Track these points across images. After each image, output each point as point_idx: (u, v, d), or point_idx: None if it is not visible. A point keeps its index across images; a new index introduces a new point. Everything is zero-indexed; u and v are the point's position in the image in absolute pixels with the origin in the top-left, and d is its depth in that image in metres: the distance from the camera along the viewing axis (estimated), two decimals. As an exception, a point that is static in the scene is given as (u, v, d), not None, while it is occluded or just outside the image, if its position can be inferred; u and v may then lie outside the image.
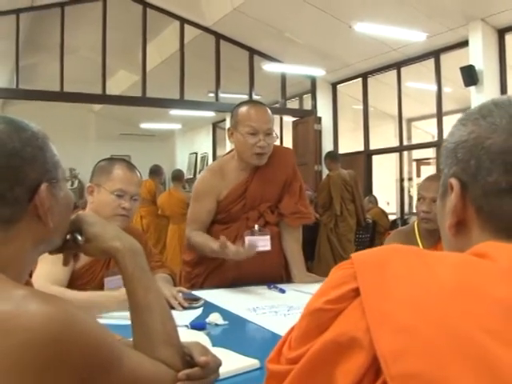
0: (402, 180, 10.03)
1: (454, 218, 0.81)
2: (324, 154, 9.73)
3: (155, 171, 8.62)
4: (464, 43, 7.39)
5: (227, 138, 2.87)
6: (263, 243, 2.73)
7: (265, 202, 2.82)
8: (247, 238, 2.72)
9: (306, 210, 2.92)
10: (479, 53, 7.05)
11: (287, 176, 2.86)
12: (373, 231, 8.05)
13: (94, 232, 1.18)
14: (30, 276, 1.97)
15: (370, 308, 0.66)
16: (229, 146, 10.75)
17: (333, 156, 7.77)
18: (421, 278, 0.68)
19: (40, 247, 1.06)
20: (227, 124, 10.19)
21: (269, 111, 2.77)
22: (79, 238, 1.18)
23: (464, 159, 0.79)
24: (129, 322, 1.16)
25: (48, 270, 2.04)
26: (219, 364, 1.22)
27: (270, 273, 2.82)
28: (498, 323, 0.62)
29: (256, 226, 2.76)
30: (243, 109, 2.75)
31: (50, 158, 1.03)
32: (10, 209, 0.95)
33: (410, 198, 10.78)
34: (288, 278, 2.93)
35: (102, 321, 0.97)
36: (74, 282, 2.20)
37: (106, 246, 1.18)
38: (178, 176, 8.45)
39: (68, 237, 1.17)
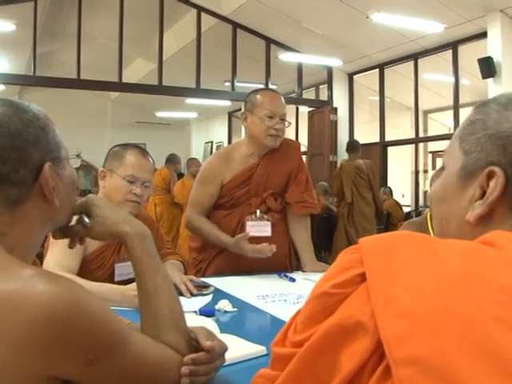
0: (417, 172, 9.98)
1: (487, 208, 0.80)
2: (339, 144, 9.73)
3: (171, 159, 8.63)
4: (482, 34, 7.31)
5: (241, 121, 2.95)
6: (264, 229, 2.79)
7: (268, 190, 2.86)
8: (248, 223, 2.78)
9: (312, 200, 2.95)
10: (498, 44, 6.97)
11: (292, 168, 2.92)
12: (387, 223, 8.03)
13: (103, 215, 1.19)
14: (41, 261, 2.00)
15: (375, 293, 0.67)
16: (244, 135, 10.71)
17: (349, 145, 7.72)
18: (427, 264, 0.68)
19: (47, 227, 1.07)
20: (243, 113, 10.16)
21: (283, 98, 2.89)
22: (86, 220, 1.18)
23: None
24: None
25: (58, 257, 2.06)
26: (225, 349, 1.23)
27: (272, 261, 2.79)
28: (503, 311, 0.61)
29: (258, 212, 2.81)
30: (261, 94, 2.86)
31: (52, 138, 1.03)
32: (16, 190, 0.96)
33: (425, 190, 10.72)
34: (292, 268, 2.95)
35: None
36: (84, 268, 2.21)
37: (116, 229, 1.19)
38: (187, 165, 8.52)
39: (75, 218, 1.18)
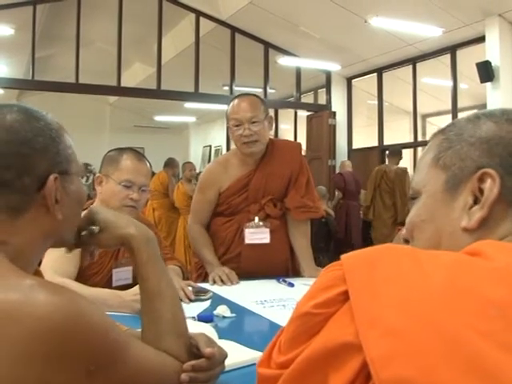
0: (415, 176, 9.99)
1: (488, 210, 0.79)
2: (338, 148, 9.74)
3: (169, 164, 8.63)
4: (481, 39, 7.34)
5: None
6: (262, 236, 2.77)
7: (267, 196, 2.83)
8: (247, 231, 2.77)
9: (313, 204, 2.89)
10: (496, 48, 6.99)
11: (293, 171, 2.85)
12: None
13: (107, 221, 1.19)
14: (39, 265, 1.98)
15: (359, 312, 0.65)
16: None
17: (389, 151, 7.85)
18: (411, 279, 0.66)
19: (49, 240, 1.05)
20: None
21: (254, 100, 2.79)
22: (94, 228, 1.17)
23: (503, 154, 0.80)
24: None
25: (56, 262, 2.04)
26: (225, 356, 1.22)
27: (273, 267, 2.80)
28: (492, 325, 0.60)
29: (256, 219, 2.78)
30: (230, 104, 2.81)
31: (63, 151, 1.03)
32: (18, 197, 0.96)
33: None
34: (294, 274, 2.92)
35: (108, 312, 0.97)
36: (82, 273, 2.19)
37: (121, 232, 1.18)
38: (183, 169, 8.56)
39: (83, 233, 1.17)
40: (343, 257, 0.73)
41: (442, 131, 0.91)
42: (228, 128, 2.83)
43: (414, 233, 0.90)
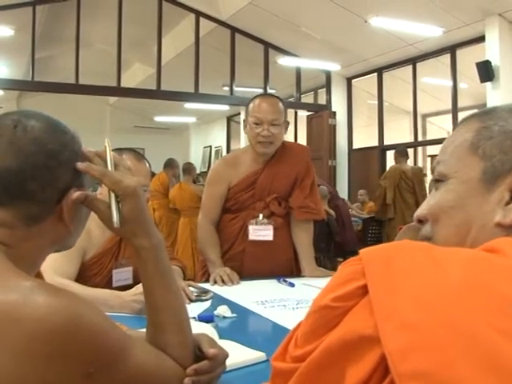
0: (416, 176, 10.00)
1: None
2: (338, 148, 9.73)
3: (169, 164, 8.61)
4: (480, 38, 7.33)
5: (242, 129, 2.98)
6: (266, 232, 2.82)
7: (273, 194, 2.87)
8: (251, 227, 2.81)
9: (315, 206, 2.95)
10: (496, 48, 6.99)
11: (299, 172, 2.91)
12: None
13: (129, 218, 1.07)
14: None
15: (378, 305, 0.65)
16: (243, 139, 10.88)
17: (398, 151, 7.89)
18: (428, 274, 0.66)
19: (55, 247, 1.07)
20: (241, 118, 10.19)
21: (277, 103, 2.85)
22: (114, 215, 1.05)
23: None
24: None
25: (56, 261, 2.03)
26: (226, 356, 1.21)
27: (276, 265, 2.84)
28: (509, 323, 0.60)
29: (260, 216, 2.83)
30: (253, 100, 2.86)
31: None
32: (38, 207, 0.96)
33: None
34: (298, 274, 2.93)
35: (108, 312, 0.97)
36: (82, 274, 2.19)
37: (134, 241, 1.10)
38: (187, 169, 8.44)
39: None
40: (362, 251, 0.73)
41: (478, 118, 0.88)
42: (246, 123, 2.87)
43: (440, 217, 0.88)
